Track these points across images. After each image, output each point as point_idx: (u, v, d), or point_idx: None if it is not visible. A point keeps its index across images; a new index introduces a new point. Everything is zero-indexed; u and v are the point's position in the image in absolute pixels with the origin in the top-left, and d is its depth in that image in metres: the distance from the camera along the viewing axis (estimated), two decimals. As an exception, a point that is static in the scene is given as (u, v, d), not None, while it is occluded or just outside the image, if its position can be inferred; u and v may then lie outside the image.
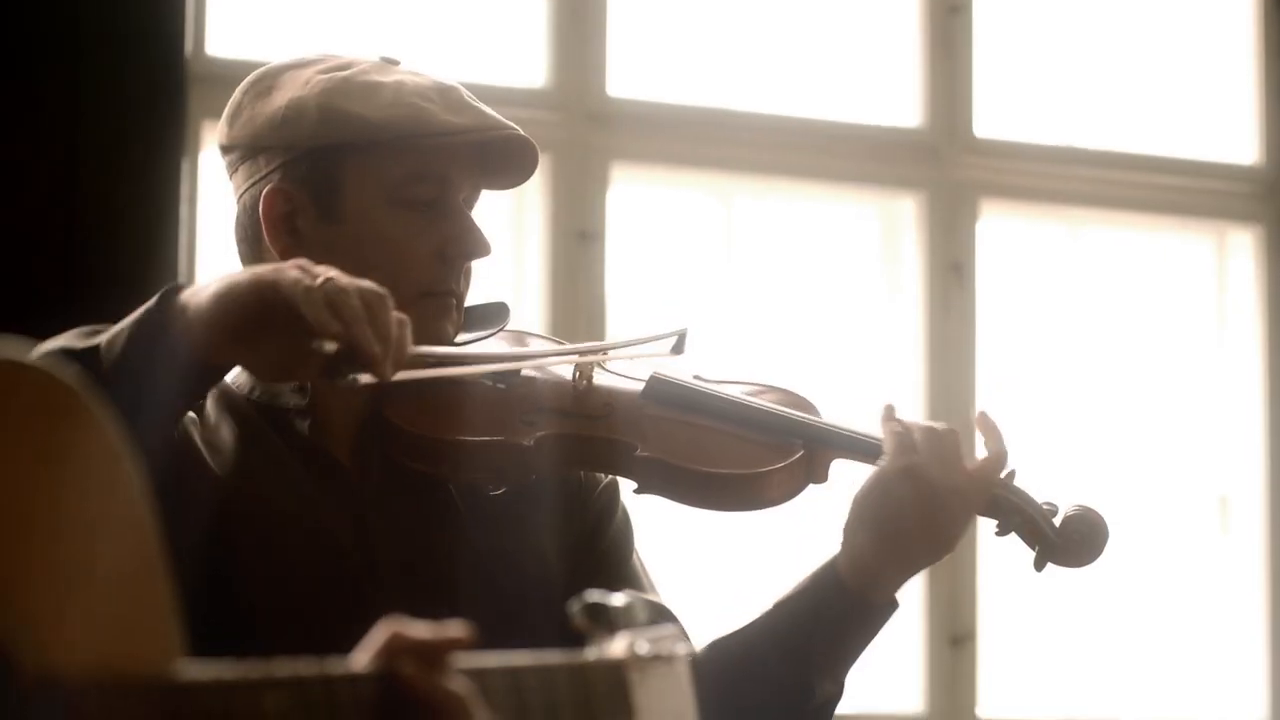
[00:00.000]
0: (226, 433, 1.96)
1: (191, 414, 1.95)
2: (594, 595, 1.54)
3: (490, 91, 2.11)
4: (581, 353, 2.07)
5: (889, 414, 2.06)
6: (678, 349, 2.09)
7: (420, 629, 1.37)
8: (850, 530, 2.03)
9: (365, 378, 1.72)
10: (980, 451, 2.06)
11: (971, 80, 4.17)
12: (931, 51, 4.15)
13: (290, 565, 1.92)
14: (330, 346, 1.69)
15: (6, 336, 1.22)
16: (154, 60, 3.34)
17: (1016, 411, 4.17)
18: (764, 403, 2.09)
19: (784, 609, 2.04)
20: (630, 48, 3.95)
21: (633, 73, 3.94)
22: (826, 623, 2.02)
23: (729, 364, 2.15)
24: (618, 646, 1.53)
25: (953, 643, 4.02)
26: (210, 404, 2.00)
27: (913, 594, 4.04)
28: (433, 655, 1.37)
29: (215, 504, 1.90)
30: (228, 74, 3.55)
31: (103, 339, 1.77)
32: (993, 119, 4.22)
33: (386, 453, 1.98)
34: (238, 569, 1.90)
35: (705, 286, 4.04)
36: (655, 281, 4.00)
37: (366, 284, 1.72)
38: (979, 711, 4.04)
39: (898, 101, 4.16)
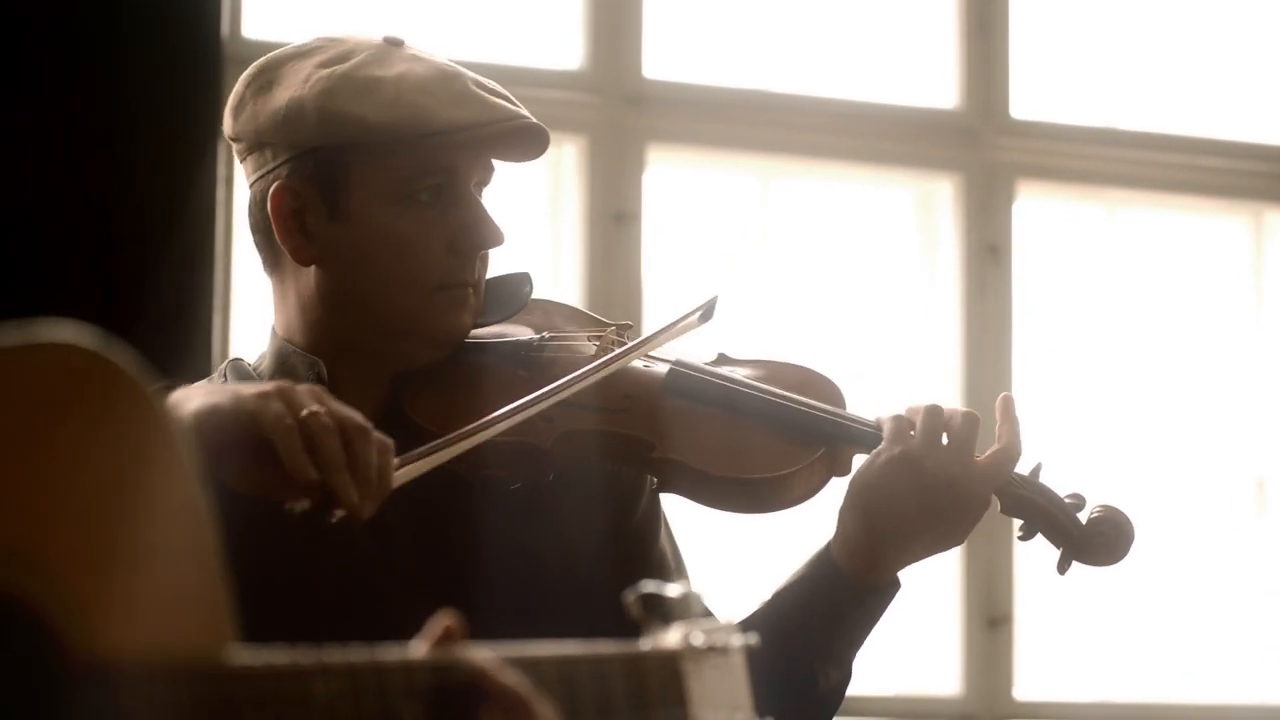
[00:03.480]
0: None
1: None
2: (649, 585, 1.53)
3: (526, 74, 2.09)
4: (610, 362, 1.97)
5: (921, 410, 1.99)
6: (706, 316, 2.03)
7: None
8: (843, 514, 1.99)
9: (340, 513, 1.69)
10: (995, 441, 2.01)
11: (1008, 61, 4.16)
12: (968, 33, 4.14)
13: (308, 560, 1.90)
14: (303, 506, 1.67)
15: (51, 320, 1.22)
16: (191, 42, 3.34)
17: (1053, 393, 4.17)
18: (786, 395, 2.02)
19: (782, 598, 2.01)
20: (666, 29, 3.94)
21: (669, 55, 3.94)
22: (824, 608, 1.98)
23: (760, 344, 2.10)
24: (672, 637, 1.52)
25: (990, 625, 4.01)
26: None
27: (949, 577, 4.03)
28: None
29: (232, 499, 1.90)
30: (264, 55, 3.57)
31: None
32: (1029, 100, 4.20)
33: (405, 447, 1.96)
34: (260, 563, 1.89)
35: (741, 268, 4.03)
36: (691, 263, 3.99)
37: (348, 416, 1.69)
38: (1016, 694, 4.03)
39: (934, 83, 4.15)
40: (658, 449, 1.96)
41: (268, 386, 1.71)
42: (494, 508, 1.98)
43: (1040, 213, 4.25)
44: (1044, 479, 2.02)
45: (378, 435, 1.71)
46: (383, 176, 1.95)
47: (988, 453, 1.98)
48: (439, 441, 1.84)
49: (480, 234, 1.97)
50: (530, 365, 2.01)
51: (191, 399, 1.72)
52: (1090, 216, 4.33)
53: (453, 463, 1.87)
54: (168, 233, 3.30)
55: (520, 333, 2.06)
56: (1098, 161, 4.25)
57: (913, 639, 4.02)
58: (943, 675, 4.00)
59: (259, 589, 1.86)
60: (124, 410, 1.18)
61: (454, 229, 1.96)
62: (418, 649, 1.36)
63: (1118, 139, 4.27)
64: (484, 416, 1.89)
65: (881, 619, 2.01)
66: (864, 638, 2.02)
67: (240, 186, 3.42)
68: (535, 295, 2.08)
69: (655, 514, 2.08)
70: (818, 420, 2.00)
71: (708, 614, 1.61)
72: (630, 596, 1.52)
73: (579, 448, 1.96)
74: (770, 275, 4.04)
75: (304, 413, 1.67)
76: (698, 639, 1.54)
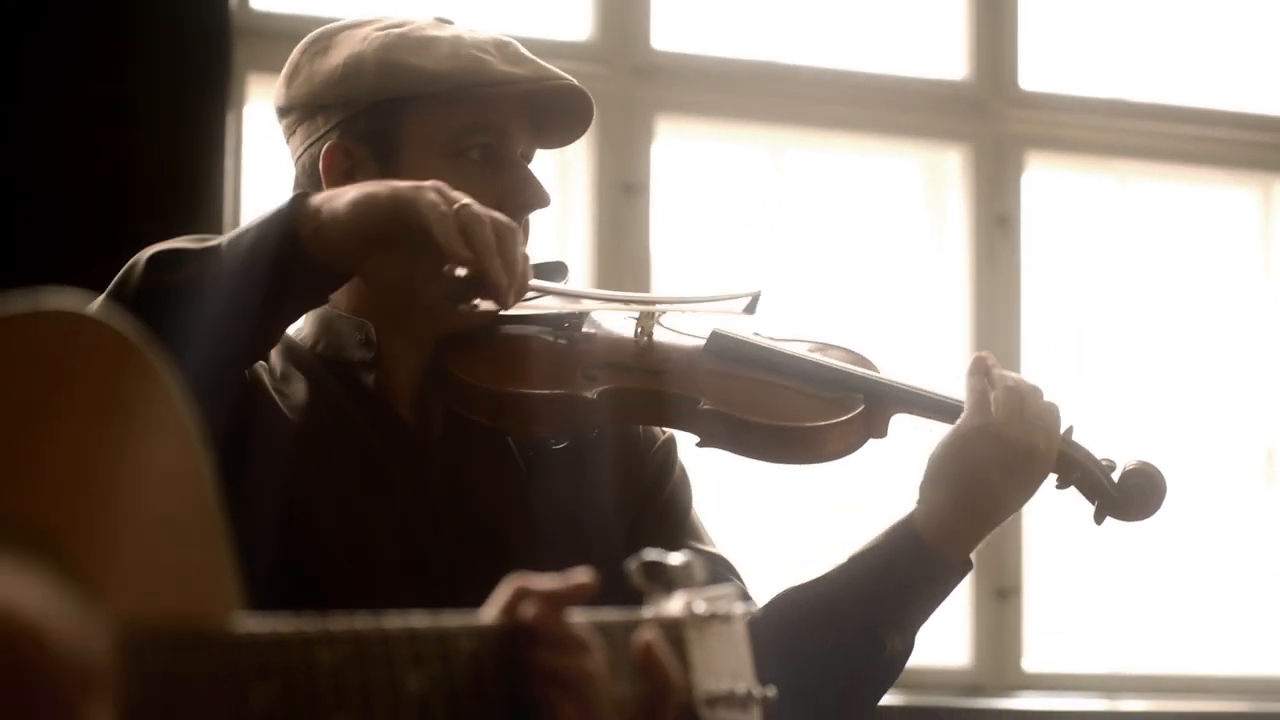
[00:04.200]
0: (295, 384, 1.97)
1: (261, 362, 1.97)
2: (651, 554, 1.54)
3: (535, 45, 2.11)
4: (659, 302, 2.08)
5: (977, 367, 2.05)
6: (750, 309, 2.08)
7: (544, 580, 1.39)
8: (927, 487, 2.03)
9: (485, 305, 1.77)
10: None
11: (1017, 33, 4.15)
12: (977, 4, 4.13)
13: (354, 519, 1.92)
14: (461, 272, 1.74)
15: (57, 287, 1.22)
16: (201, 13, 3.34)
17: (1062, 365, 4.16)
18: (825, 358, 2.09)
19: (859, 562, 2.04)
20: (675, 1, 3.93)
21: (678, 25, 3.92)
22: (900, 577, 2.02)
23: (780, 319, 2.14)
24: (675, 605, 1.53)
25: (999, 596, 4.01)
26: (276, 357, 2.01)
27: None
28: (558, 604, 1.38)
29: (287, 452, 1.91)
30: (274, 27, 3.57)
31: (222, 240, 1.78)
32: (1038, 72, 4.19)
33: (448, 406, 1.98)
34: (305, 520, 1.91)
35: (751, 239, 4.03)
36: (701, 235, 3.99)
37: (499, 215, 1.77)
38: (1025, 665, 4.03)
39: (943, 54, 4.14)
40: (701, 403, 1.99)
41: (420, 182, 1.77)
42: (535, 468, 2.01)
43: (1049, 184, 4.24)
44: (1077, 439, 2.07)
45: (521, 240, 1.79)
46: (435, 131, 1.99)
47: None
48: (558, 288, 1.99)
49: (529, 194, 2.01)
50: (570, 336, 2.05)
51: (345, 193, 1.77)
52: (1099, 188, 4.32)
53: (496, 422, 1.95)
54: (178, 205, 3.30)
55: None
56: (1107, 133, 4.24)
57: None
58: (951, 646, 4.00)
59: (309, 546, 1.88)
60: (129, 378, 1.18)
61: (503, 189, 1.99)
62: (490, 615, 1.37)
63: (1127, 110, 4.25)
64: (529, 380, 1.96)
65: (948, 597, 2.06)
66: (931, 612, 2.06)
67: (251, 157, 3.43)
68: (570, 282, 2.14)
69: (687, 484, 2.13)
70: (857, 380, 2.06)
71: (714, 582, 1.62)
72: (632, 564, 1.53)
73: (622, 406, 2.00)
74: (779, 247, 4.03)
75: (458, 204, 1.74)
76: (699, 607, 1.54)
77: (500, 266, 1.74)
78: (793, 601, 2.04)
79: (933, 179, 4.16)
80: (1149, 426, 4.22)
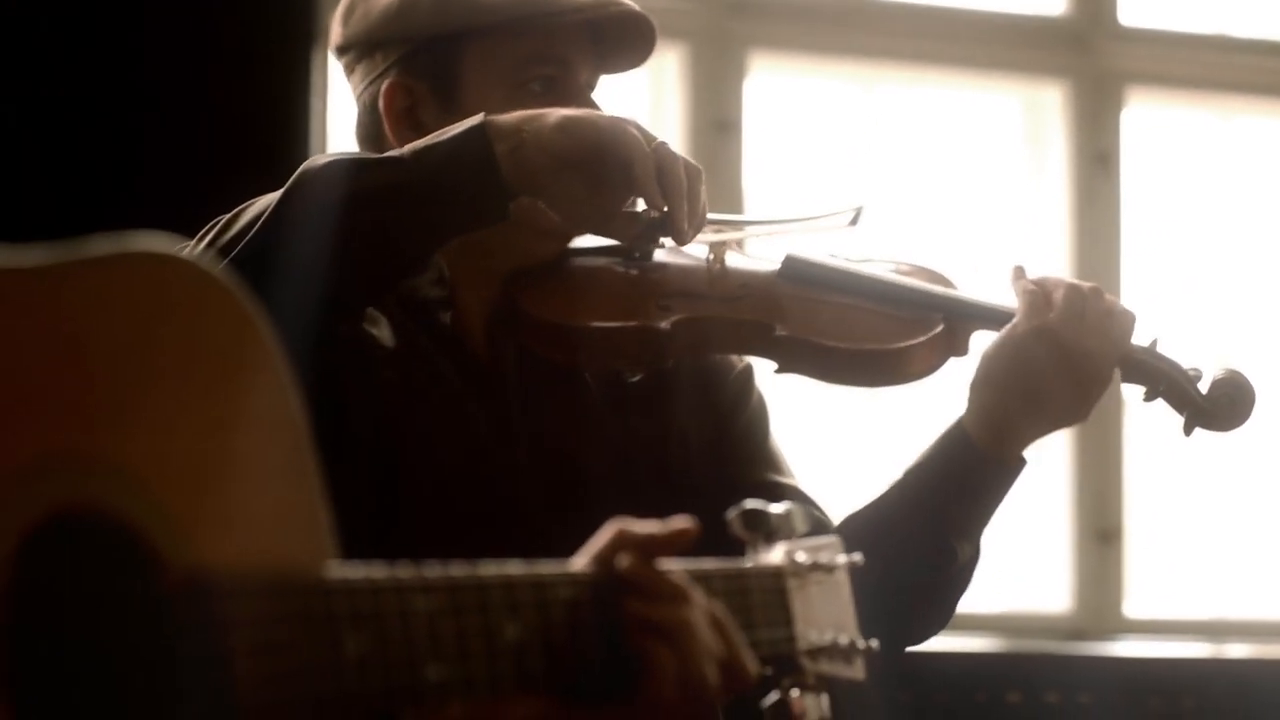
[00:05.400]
0: (380, 326, 1.95)
1: None
2: (752, 503, 1.51)
3: (628, -18, 2.07)
4: (770, 222, 2.09)
5: (1019, 274, 2.04)
6: (854, 222, 2.07)
7: (644, 525, 1.36)
8: (977, 388, 2.00)
9: (666, 244, 1.83)
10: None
11: (1116, -35, 4.09)
12: (1075, -63, 4.07)
13: (439, 463, 1.91)
14: (654, 215, 1.79)
15: (146, 230, 1.19)
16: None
17: (1163, 302, 4.11)
18: (902, 278, 2.06)
19: (916, 473, 2.03)
20: (768, -65, 3.88)
21: (771, -40, 3.88)
22: (957, 481, 2.00)
23: (871, 251, 2.12)
24: (776, 554, 1.50)
25: (1100, 539, 3.97)
26: None
27: (1059, 490, 3.99)
28: (657, 552, 1.36)
29: (376, 395, 1.90)
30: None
31: (405, 151, 1.78)
32: (1138, 6, 4.13)
33: (522, 343, 1.96)
34: (393, 465, 1.90)
35: (846, 177, 3.98)
36: (794, 173, 3.95)
37: (689, 159, 1.79)
38: (1126, 609, 3.99)
39: (1042, -12, 4.09)
40: (778, 329, 1.97)
41: (620, 115, 1.81)
42: (612, 402, 1.99)
43: (1150, 120, 4.18)
44: (1162, 350, 2.04)
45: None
46: (496, 64, 1.95)
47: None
48: (724, 219, 2.01)
49: None
50: (640, 265, 2.01)
51: (549, 114, 1.78)
52: (1201, 123, 4.25)
53: (570, 357, 1.94)
54: (264, 146, 3.28)
55: None
56: (1208, 67, 4.18)
57: (1022, 554, 3.99)
58: (1052, 590, 3.97)
59: (395, 488, 1.87)
60: (220, 321, 1.16)
61: None
62: (585, 561, 1.35)
63: (1228, 45, 4.20)
64: (601, 313, 1.93)
65: (1006, 497, 2.03)
66: (991, 514, 2.04)
67: (337, 98, 3.41)
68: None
69: (765, 412, 2.10)
70: (936, 299, 2.04)
71: (813, 530, 1.59)
72: (732, 513, 1.50)
73: (698, 336, 1.97)
74: (874, 185, 3.99)
75: (655, 142, 1.77)
76: (801, 556, 1.51)
77: (688, 213, 1.77)
78: (858, 524, 2.02)
79: (1032, 116, 4.11)
80: (1250, 366, 4.14)
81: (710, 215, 1.99)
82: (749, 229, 2.10)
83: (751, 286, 2.01)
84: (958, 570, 2.03)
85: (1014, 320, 1.99)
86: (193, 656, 1.09)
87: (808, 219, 2.09)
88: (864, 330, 2.00)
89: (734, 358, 2.09)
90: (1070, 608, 3.98)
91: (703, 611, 1.37)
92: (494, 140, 1.75)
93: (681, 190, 1.77)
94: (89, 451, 1.08)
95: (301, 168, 1.80)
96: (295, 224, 1.75)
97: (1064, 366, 1.96)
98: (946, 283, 2.09)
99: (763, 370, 2.07)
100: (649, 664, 1.33)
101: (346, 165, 1.79)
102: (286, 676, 1.12)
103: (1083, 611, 3.97)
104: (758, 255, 2.07)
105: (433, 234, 1.81)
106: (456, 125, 1.78)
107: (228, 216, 1.82)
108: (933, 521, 2.00)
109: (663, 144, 1.77)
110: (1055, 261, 4.03)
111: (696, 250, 2.03)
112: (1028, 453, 2.03)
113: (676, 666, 1.33)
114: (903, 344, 1.99)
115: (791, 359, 1.98)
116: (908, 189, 4.02)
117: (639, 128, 1.77)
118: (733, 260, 2.04)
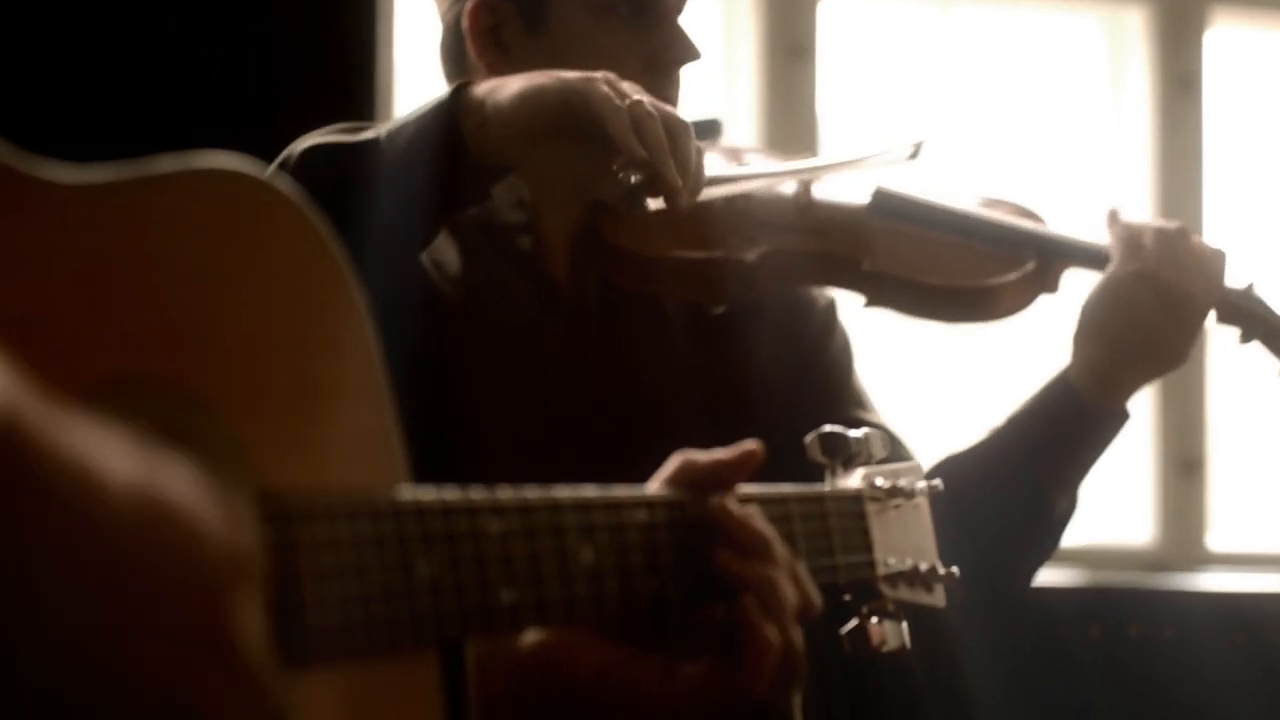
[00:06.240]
0: (449, 251, 1.93)
1: None
2: (829, 427, 1.49)
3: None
4: (823, 169, 2.04)
5: (1114, 217, 2.02)
6: (914, 155, 2.03)
7: (711, 454, 1.35)
8: (1080, 339, 2.00)
9: (655, 204, 1.70)
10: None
11: (1200, -115, 4.02)
12: None
13: (511, 388, 1.89)
14: (636, 177, 1.68)
15: (215, 151, 1.17)
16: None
17: (1247, 228, 4.05)
18: (993, 214, 2.03)
19: (1018, 422, 2.02)
20: None
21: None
22: (1060, 432, 1.99)
23: (952, 180, 2.09)
24: (854, 479, 1.49)
25: (1183, 470, 3.92)
26: None
27: (1142, 421, 3.94)
28: (726, 478, 1.34)
29: (443, 323, 1.88)
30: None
31: (380, 131, 1.75)
32: (1222, -75, 4.06)
33: (604, 272, 1.93)
34: (464, 392, 1.88)
35: (923, 102, 3.93)
36: (870, 99, 3.90)
37: (669, 110, 1.70)
38: (1209, 541, 3.95)
39: (1123, -91, 4.01)
40: (866, 263, 1.96)
41: (588, 73, 1.71)
42: (695, 334, 1.97)
43: (1234, 43, 4.11)
44: (1258, 294, 2.04)
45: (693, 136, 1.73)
46: None
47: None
48: (735, 174, 1.93)
49: (679, 49, 1.94)
50: (727, 196, 1.98)
51: (509, 84, 1.71)
52: (1286, 46, 4.19)
53: (654, 288, 1.89)
54: (329, 74, 3.27)
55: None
56: (1294, -11, 4.11)
57: (1103, 486, 3.94)
58: (1135, 522, 3.93)
59: (466, 417, 1.86)
60: (292, 241, 1.14)
61: (653, 45, 1.93)
62: (654, 489, 1.33)
63: (1316, -36, 4.12)
64: (685, 244, 1.89)
65: (1107, 450, 2.03)
66: (1091, 467, 2.04)
67: (402, 20, 3.39)
68: (725, 141, 2.07)
69: (849, 348, 2.08)
70: (1027, 235, 2.02)
71: (894, 457, 1.57)
72: (810, 438, 1.48)
73: (784, 268, 1.95)
74: (952, 110, 3.94)
75: (630, 98, 1.68)
76: (880, 481, 1.50)
77: (674, 167, 1.68)
78: (956, 468, 2.01)
79: (1113, 38, 4.04)
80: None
81: (759, 159, 1.96)
82: (805, 169, 2.05)
83: (840, 219, 1.99)
84: (1054, 522, 2.02)
85: (1111, 267, 1.97)
86: (262, 579, 1.08)
87: (864, 157, 2.05)
88: (953, 266, 1.99)
89: (819, 292, 2.07)
90: (1153, 540, 3.93)
91: (787, 567, 1.34)
92: (462, 117, 1.70)
93: (663, 145, 1.67)
94: (161, 373, 1.06)
95: (280, 156, 1.76)
96: None
97: (1167, 310, 1.96)
98: (1036, 219, 2.07)
99: (849, 306, 2.05)
100: (749, 630, 1.30)
101: (320, 152, 1.74)
102: (357, 600, 1.10)
103: (1166, 544, 3.93)
104: (845, 188, 2.05)
105: (422, 214, 1.76)
106: (429, 100, 1.74)
107: None
108: (1032, 473, 2.00)
109: (638, 100, 1.68)
110: (1137, 189, 3.98)
111: (785, 184, 2.01)
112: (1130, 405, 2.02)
113: (776, 635, 1.31)
114: (994, 281, 1.98)
115: (879, 293, 1.97)
116: (985, 115, 3.97)
117: (611, 83, 1.69)
118: (820, 192, 2.02)
